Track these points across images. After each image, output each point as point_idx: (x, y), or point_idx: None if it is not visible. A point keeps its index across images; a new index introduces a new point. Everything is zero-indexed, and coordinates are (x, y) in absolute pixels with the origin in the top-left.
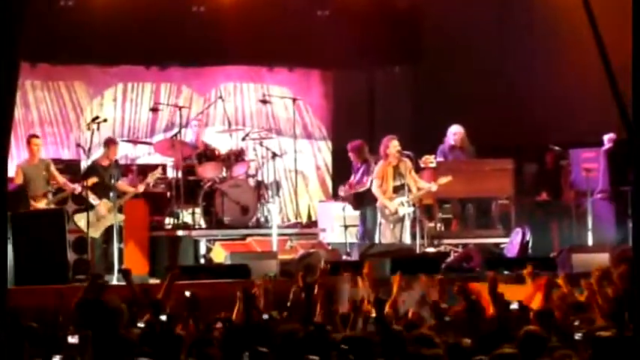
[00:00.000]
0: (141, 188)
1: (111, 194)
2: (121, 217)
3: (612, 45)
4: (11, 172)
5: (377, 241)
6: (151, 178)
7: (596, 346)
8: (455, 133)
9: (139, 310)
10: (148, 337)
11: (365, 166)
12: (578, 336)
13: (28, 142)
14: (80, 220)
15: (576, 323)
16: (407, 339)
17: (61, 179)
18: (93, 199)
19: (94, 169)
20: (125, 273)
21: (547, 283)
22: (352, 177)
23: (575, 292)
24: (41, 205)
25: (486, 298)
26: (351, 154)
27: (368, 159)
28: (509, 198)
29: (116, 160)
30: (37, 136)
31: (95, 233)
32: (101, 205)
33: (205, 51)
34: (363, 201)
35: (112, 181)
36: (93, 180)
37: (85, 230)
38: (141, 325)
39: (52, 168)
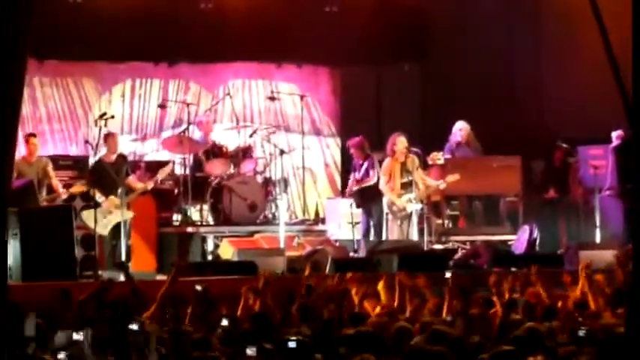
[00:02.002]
0: (150, 185)
1: (119, 190)
2: (130, 214)
3: (619, 41)
4: None
5: (383, 237)
6: (161, 175)
7: (601, 344)
8: (461, 129)
9: (139, 305)
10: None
11: (368, 161)
12: (581, 332)
13: (26, 141)
14: (88, 217)
15: (579, 319)
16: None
17: (55, 181)
18: (98, 197)
19: (98, 166)
20: (122, 266)
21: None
22: (353, 174)
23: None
24: None
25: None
26: (352, 151)
27: (369, 154)
28: (517, 195)
29: (124, 156)
30: (34, 135)
31: (104, 230)
32: (107, 202)
33: (213, 48)
34: (368, 197)
35: (120, 176)
36: (80, 188)
37: (92, 227)
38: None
39: (49, 168)
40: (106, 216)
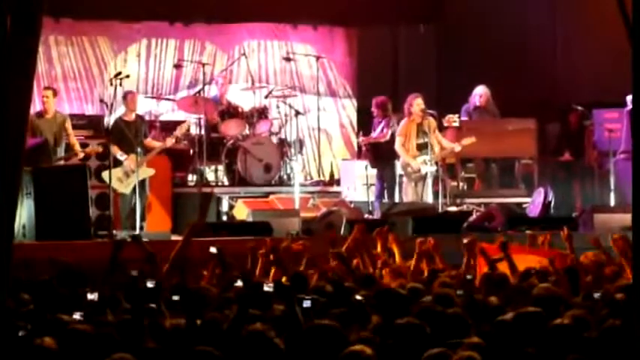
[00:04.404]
0: (169, 142)
1: (139, 149)
2: (151, 171)
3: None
4: None
5: (396, 198)
6: (179, 131)
7: (613, 306)
8: (481, 94)
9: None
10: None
11: (385, 120)
12: (597, 295)
13: (40, 96)
14: (108, 176)
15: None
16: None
17: (73, 139)
18: (120, 154)
19: (118, 125)
20: (135, 238)
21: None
22: (372, 133)
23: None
24: None
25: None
26: (374, 110)
27: (390, 115)
28: (532, 158)
29: (142, 117)
30: (47, 88)
31: (126, 189)
32: (129, 160)
33: (229, 8)
34: (381, 157)
35: (138, 136)
36: (96, 149)
37: (114, 186)
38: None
39: (68, 124)
40: (130, 174)
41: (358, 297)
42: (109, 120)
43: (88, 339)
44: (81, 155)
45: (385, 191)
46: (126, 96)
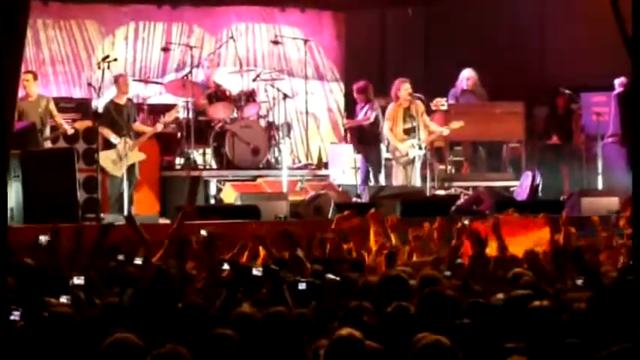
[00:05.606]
0: (159, 127)
1: (130, 132)
2: (142, 155)
3: None
4: None
5: (381, 182)
6: (168, 117)
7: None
8: (468, 77)
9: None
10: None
11: (369, 104)
12: (579, 281)
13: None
14: (104, 159)
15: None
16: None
17: (59, 119)
18: (114, 137)
19: (108, 108)
20: (128, 219)
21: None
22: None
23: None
24: None
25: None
26: (356, 95)
27: (372, 99)
28: (520, 141)
29: (131, 100)
30: (27, 72)
31: (119, 172)
32: (122, 143)
33: None
34: (366, 141)
35: (130, 119)
36: (86, 123)
37: (108, 169)
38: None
39: (52, 105)
40: (122, 157)
41: (331, 276)
42: (97, 103)
43: (74, 322)
44: (71, 131)
45: (371, 175)
46: (118, 79)
